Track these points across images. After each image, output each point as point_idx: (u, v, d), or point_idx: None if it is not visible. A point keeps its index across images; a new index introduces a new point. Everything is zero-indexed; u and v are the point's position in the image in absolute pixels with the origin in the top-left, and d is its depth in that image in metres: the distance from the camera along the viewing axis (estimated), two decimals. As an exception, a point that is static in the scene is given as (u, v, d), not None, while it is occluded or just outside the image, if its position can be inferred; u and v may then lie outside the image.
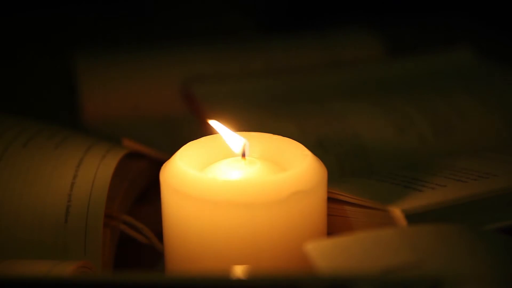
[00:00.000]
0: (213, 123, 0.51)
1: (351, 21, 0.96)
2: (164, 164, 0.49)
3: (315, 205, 0.48)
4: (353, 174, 0.60)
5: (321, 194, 0.48)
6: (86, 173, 0.52)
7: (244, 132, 0.51)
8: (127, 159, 0.55)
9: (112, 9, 1.02)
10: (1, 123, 0.56)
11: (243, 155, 0.50)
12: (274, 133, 0.52)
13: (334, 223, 0.51)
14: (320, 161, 0.49)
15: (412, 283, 0.39)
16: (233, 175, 0.49)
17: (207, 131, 0.54)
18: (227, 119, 0.51)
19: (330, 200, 0.50)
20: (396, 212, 0.48)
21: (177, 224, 0.48)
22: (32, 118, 0.58)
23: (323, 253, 0.43)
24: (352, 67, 0.77)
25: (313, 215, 0.48)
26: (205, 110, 0.69)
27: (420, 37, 0.95)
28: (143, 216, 0.55)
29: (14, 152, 0.53)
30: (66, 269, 0.47)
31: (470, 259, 0.42)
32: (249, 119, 0.65)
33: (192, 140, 0.51)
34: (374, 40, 0.83)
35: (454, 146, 0.63)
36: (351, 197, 0.50)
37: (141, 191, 0.58)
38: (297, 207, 0.47)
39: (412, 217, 0.47)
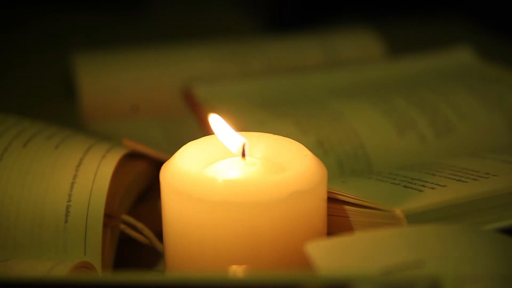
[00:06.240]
0: (213, 118, 0.50)
1: (351, 21, 0.96)
2: (164, 164, 0.49)
3: (315, 205, 0.48)
4: (353, 174, 0.60)
5: (321, 194, 0.48)
6: (86, 173, 0.52)
7: (244, 132, 0.51)
8: (127, 159, 0.55)
9: (112, 9, 1.02)
10: (1, 123, 0.56)
11: (243, 155, 0.50)
12: (274, 133, 0.52)
13: (334, 223, 0.51)
14: (320, 161, 0.49)
15: (412, 283, 0.39)
16: (233, 175, 0.48)
17: (207, 131, 0.54)
18: (227, 119, 0.51)
19: (330, 200, 0.50)
20: (396, 212, 0.48)
21: (177, 224, 0.48)
22: (32, 118, 0.58)
23: (323, 253, 0.43)
24: (352, 67, 0.77)
25: (313, 215, 0.48)
26: (205, 110, 0.69)
27: (420, 37, 0.95)
28: (143, 216, 0.55)
29: (14, 152, 0.53)
30: (66, 269, 0.47)
31: (470, 259, 0.42)
32: (249, 119, 0.65)
33: (192, 140, 0.51)
34: (374, 40, 0.83)
35: (454, 146, 0.63)
36: (351, 197, 0.50)
37: (141, 191, 0.58)
38: (297, 207, 0.47)
39: (412, 217, 0.47)
